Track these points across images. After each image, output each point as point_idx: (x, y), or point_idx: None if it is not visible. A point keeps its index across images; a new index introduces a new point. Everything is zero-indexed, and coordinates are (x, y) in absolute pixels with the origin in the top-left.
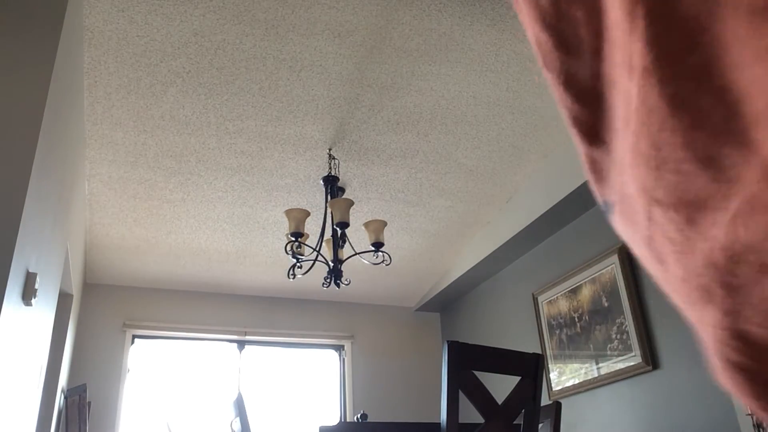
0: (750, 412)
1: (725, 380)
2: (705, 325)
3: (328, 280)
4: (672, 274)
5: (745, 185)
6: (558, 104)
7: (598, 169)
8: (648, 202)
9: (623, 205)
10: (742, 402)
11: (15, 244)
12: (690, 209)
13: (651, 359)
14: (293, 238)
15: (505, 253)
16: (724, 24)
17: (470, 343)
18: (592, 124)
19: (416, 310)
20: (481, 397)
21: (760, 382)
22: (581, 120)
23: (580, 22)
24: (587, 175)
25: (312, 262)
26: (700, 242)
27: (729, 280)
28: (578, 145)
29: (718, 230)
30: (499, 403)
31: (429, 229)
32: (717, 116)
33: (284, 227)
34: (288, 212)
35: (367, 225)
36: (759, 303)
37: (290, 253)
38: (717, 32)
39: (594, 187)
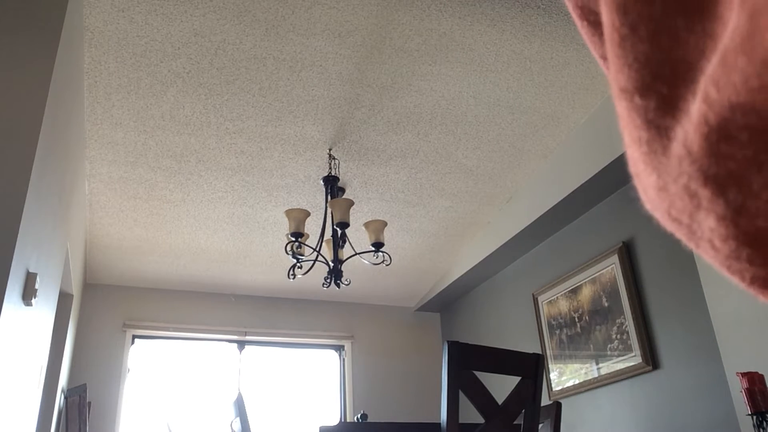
0: (750, 412)
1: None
2: (703, 242)
3: (328, 281)
4: (648, 186)
5: (729, 29)
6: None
7: None
8: (615, 97)
9: None
10: None
11: (15, 244)
12: (661, 87)
13: (651, 359)
14: (293, 238)
15: (505, 253)
16: None
17: (470, 343)
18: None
19: (416, 310)
20: (481, 397)
21: None
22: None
23: None
24: None
25: (312, 262)
26: (672, 131)
27: (713, 170)
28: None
29: (692, 105)
30: (499, 403)
31: (429, 229)
32: None
33: (284, 227)
34: (288, 212)
35: (367, 225)
36: (762, 188)
37: (290, 253)
38: None
39: None
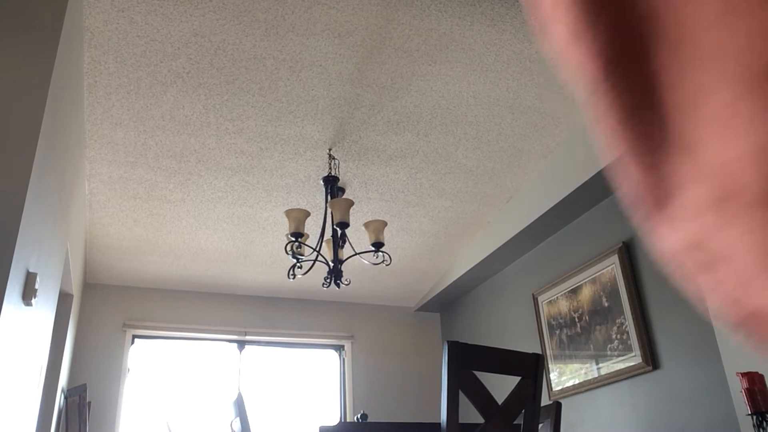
0: (750, 412)
1: None
2: None
3: (328, 280)
4: None
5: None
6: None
7: None
8: None
9: None
10: None
11: (15, 244)
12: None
13: (651, 359)
14: (293, 238)
15: (505, 253)
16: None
17: (470, 343)
18: None
19: (416, 310)
20: (481, 397)
21: None
22: None
23: None
24: None
25: (312, 262)
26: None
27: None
28: None
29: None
30: (499, 403)
31: (429, 229)
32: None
33: (284, 227)
34: (288, 212)
35: (367, 225)
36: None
37: (290, 253)
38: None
39: None
